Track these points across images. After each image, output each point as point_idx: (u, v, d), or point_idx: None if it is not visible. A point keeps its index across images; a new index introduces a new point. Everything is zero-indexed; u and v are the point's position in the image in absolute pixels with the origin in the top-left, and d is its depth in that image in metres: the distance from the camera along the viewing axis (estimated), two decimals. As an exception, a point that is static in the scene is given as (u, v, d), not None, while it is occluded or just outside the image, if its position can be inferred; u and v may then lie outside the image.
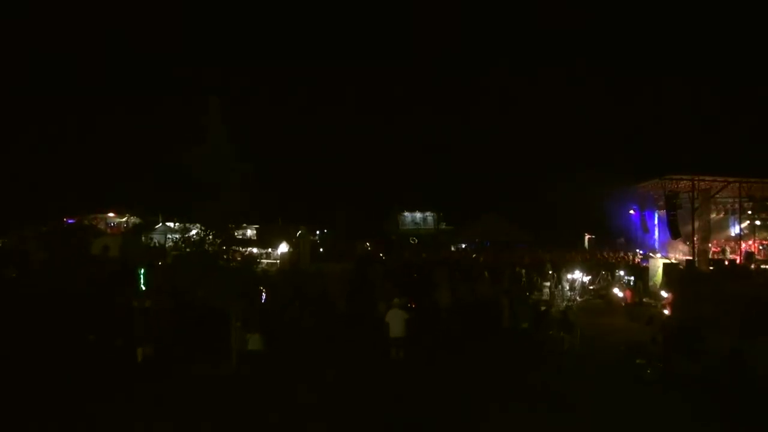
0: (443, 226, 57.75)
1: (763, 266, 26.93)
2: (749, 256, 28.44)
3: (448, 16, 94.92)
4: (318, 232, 47.69)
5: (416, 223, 59.25)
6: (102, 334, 14.12)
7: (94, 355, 13.07)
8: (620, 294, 22.72)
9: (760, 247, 30.29)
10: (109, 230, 40.48)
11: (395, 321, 13.35)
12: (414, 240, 45.82)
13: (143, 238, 37.24)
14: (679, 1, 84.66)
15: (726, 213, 32.10)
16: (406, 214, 59.10)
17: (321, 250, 41.73)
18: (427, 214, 59.38)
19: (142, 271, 20.77)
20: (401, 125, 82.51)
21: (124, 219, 44.53)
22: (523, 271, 26.53)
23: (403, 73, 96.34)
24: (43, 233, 25.20)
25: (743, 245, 30.03)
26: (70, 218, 35.77)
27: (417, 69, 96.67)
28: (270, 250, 32.06)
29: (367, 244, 44.21)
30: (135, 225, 43.16)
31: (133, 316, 14.21)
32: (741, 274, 25.21)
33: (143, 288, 18.24)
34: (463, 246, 45.80)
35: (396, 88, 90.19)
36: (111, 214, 43.99)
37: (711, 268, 26.25)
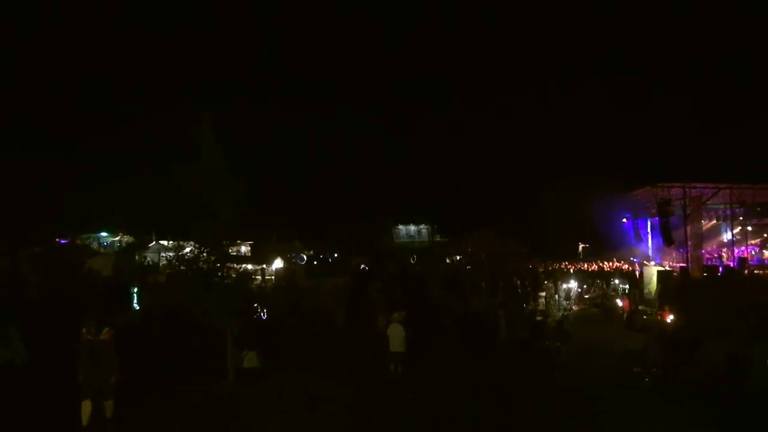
0: (438, 238, 57.82)
1: (756, 271, 27.13)
2: (742, 261, 28.66)
3: (434, 31, 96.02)
4: (313, 250, 47.62)
5: (411, 236, 59.33)
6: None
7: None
8: (619, 303, 22.74)
9: (753, 253, 30.55)
10: (102, 250, 40.25)
11: (395, 335, 13.30)
12: (414, 258, 45.85)
13: (136, 256, 37.11)
14: (664, 9, 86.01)
15: (718, 219, 32.42)
16: (401, 227, 59.18)
17: (315, 263, 41.59)
18: (422, 226, 59.48)
19: (135, 290, 20.57)
20: (394, 138, 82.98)
21: (117, 238, 44.36)
22: (518, 282, 26.59)
23: (394, 85, 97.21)
24: (35, 254, 24.90)
25: (736, 251, 30.27)
26: (63, 239, 35.50)
27: (408, 82, 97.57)
28: (264, 266, 32.00)
29: (363, 259, 44.12)
30: (128, 244, 43.00)
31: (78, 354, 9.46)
32: (735, 279, 25.41)
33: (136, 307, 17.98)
34: (458, 258, 45.81)
35: (389, 103, 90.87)
36: (104, 234, 43.78)
37: (705, 274, 26.44)
